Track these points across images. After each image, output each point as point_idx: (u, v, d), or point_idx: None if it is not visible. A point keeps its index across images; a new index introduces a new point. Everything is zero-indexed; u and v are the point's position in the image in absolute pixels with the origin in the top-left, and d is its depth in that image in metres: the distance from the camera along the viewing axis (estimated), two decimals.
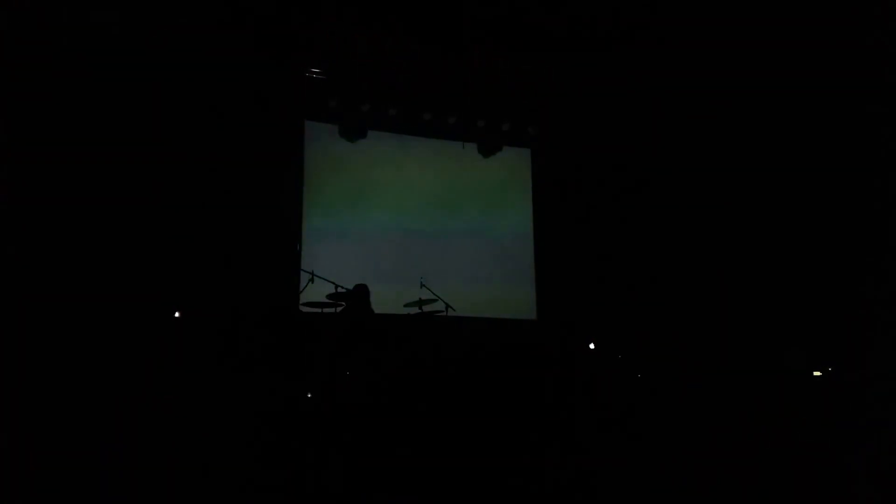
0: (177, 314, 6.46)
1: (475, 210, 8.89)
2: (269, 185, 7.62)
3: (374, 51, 8.01)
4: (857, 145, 6.85)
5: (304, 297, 6.85)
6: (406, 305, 7.12)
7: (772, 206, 7.45)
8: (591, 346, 7.91)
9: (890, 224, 6.34)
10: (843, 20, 6.72)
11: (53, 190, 5.99)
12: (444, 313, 7.01)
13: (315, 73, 8.14)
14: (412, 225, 8.53)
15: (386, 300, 7.25)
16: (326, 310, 6.67)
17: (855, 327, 6.42)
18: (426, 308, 7.05)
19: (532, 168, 9.31)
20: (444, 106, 8.78)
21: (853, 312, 6.52)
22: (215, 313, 6.71)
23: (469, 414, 5.61)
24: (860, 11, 6.51)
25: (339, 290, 6.47)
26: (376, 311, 6.97)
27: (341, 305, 6.64)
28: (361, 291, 6.64)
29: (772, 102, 7.49)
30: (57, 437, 4.51)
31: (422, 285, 7.15)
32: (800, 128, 7.30)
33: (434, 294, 7.03)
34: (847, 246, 6.79)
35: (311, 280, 6.71)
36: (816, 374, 6.43)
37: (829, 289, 6.84)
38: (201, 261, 6.98)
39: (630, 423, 5.80)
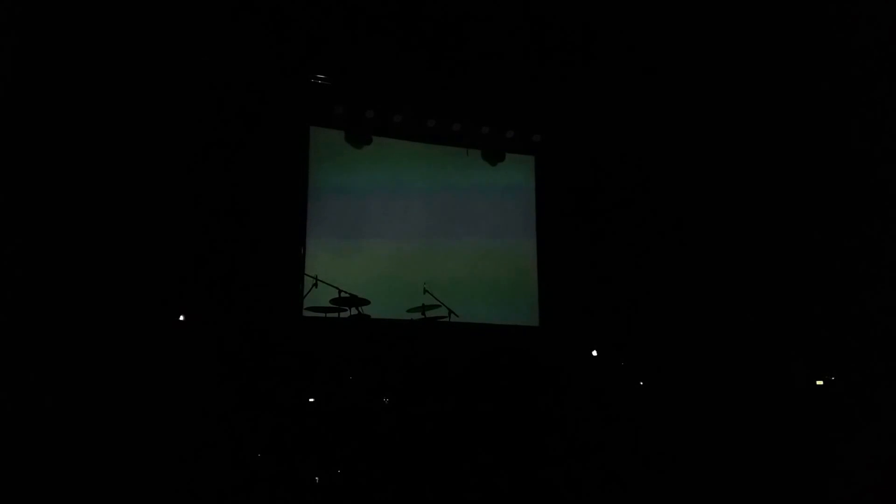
0: (181, 318, 6.49)
1: (478, 216, 8.91)
2: (273, 189, 7.67)
3: (379, 57, 8.05)
4: (863, 152, 6.85)
5: (307, 302, 6.87)
6: (409, 311, 7.14)
7: (776, 213, 7.45)
8: (594, 353, 7.91)
9: (891, 229, 6.34)
10: (842, 20, 6.74)
11: (60, 195, 6.02)
12: (447, 319, 7.02)
13: (321, 78, 8.18)
14: (416, 230, 8.56)
15: (389, 305, 7.27)
16: (330, 315, 6.68)
17: (857, 335, 6.42)
18: (429, 314, 7.06)
19: (535, 175, 9.34)
20: (448, 113, 8.82)
21: (857, 319, 6.51)
22: (219, 317, 6.74)
23: (471, 419, 5.62)
24: (860, 11, 6.52)
25: (343, 295, 6.49)
26: (380, 316, 6.99)
27: (344, 310, 6.66)
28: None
29: (775, 107, 7.50)
30: (60, 439, 4.54)
31: (425, 291, 7.16)
32: (804, 133, 7.31)
33: (437, 300, 7.04)
34: (849, 251, 6.79)
35: (315, 285, 6.73)
36: (819, 382, 6.43)
37: (833, 295, 6.84)
38: (205, 265, 7.01)
39: (632, 430, 5.81)
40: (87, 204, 6.22)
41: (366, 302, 6.61)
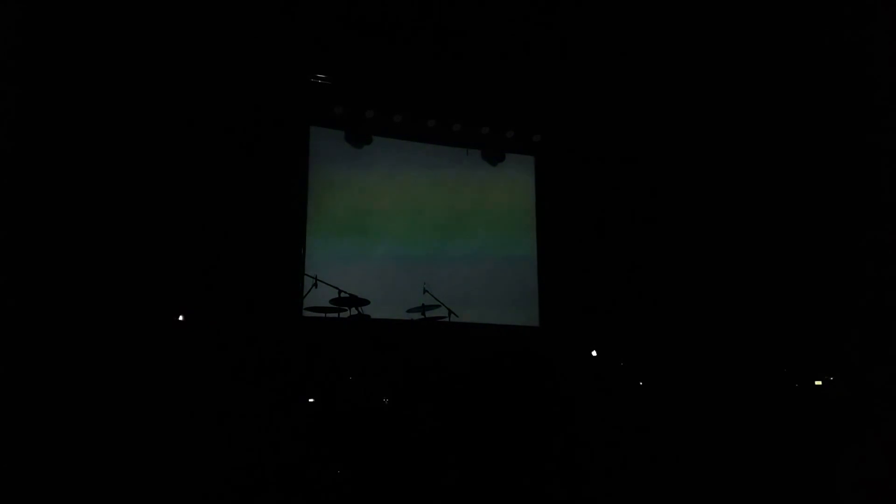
0: (181, 318, 6.49)
1: (479, 216, 8.91)
2: (273, 189, 7.66)
3: (379, 57, 8.05)
4: (863, 153, 6.86)
5: (307, 302, 6.87)
6: (409, 311, 7.14)
7: (776, 213, 7.46)
8: (594, 353, 7.91)
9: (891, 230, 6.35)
10: (842, 19, 6.74)
11: (60, 195, 6.02)
12: (447, 319, 7.03)
13: (321, 78, 8.18)
14: (416, 230, 8.56)
15: (389, 305, 7.27)
16: (330, 315, 6.69)
17: (857, 335, 6.42)
18: (429, 314, 7.06)
19: (535, 175, 9.34)
20: (448, 113, 8.82)
21: (856, 320, 6.52)
22: (219, 317, 6.74)
23: (471, 419, 5.62)
24: (861, 11, 6.53)
25: (343, 295, 6.49)
26: (380, 316, 6.99)
27: (344, 310, 6.66)
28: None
29: (776, 107, 7.51)
30: (60, 439, 4.54)
31: (424, 291, 7.17)
32: (804, 133, 7.31)
33: (437, 300, 7.05)
34: (849, 252, 6.79)
35: (315, 285, 6.73)
36: (818, 382, 6.43)
37: (833, 296, 6.84)
38: (205, 265, 7.01)
39: (631, 430, 5.81)
40: (88, 204, 6.22)
41: (366, 302, 6.62)
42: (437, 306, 7.00)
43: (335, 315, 6.69)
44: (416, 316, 7.10)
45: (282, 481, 4.54)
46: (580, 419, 6.00)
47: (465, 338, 7.52)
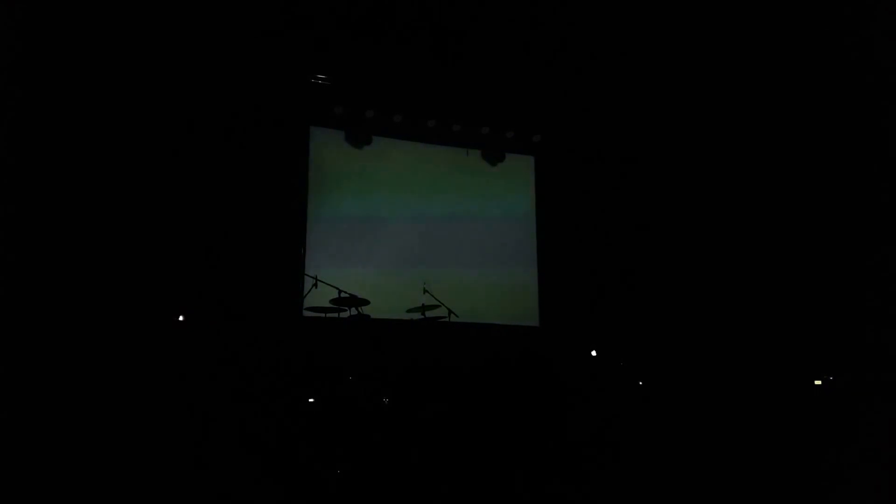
0: (181, 318, 6.49)
1: (479, 216, 8.91)
2: (274, 189, 7.67)
3: (379, 57, 8.06)
4: (863, 153, 6.86)
5: (307, 302, 6.87)
6: (409, 311, 7.14)
7: (776, 213, 7.46)
8: (593, 353, 7.92)
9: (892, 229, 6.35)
10: (842, 19, 6.74)
11: (60, 195, 6.03)
12: (447, 319, 7.03)
13: (321, 78, 8.19)
14: (416, 231, 8.56)
15: (389, 305, 7.28)
16: (330, 315, 6.69)
17: (856, 335, 6.42)
18: (429, 314, 7.06)
19: (535, 176, 9.35)
20: (448, 113, 8.83)
21: (856, 320, 6.52)
22: (219, 317, 6.74)
23: (471, 419, 5.62)
24: (860, 10, 6.53)
25: (343, 295, 6.50)
26: (380, 316, 6.99)
27: (344, 310, 6.66)
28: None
29: (775, 107, 7.51)
30: (60, 439, 4.54)
31: (425, 291, 7.17)
32: (804, 133, 7.31)
33: (437, 300, 7.05)
34: (850, 253, 6.79)
35: (315, 285, 6.74)
36: (817, 382, 6.44)
37: (833, 297, 6.84)
38: (205, 265, 7.02)
39: (631, 430, 5.81)
40: (88, 204, 6.22)
41: (366, 302, 6.62)
42: (437, 306, 7.00)
43: (335, 315, 6.69)
44: (416, 316, 7.10)
45: (282, 481, 4.54)
46: (580, 419, 6.00)
47: (465, 338, 7.52)
